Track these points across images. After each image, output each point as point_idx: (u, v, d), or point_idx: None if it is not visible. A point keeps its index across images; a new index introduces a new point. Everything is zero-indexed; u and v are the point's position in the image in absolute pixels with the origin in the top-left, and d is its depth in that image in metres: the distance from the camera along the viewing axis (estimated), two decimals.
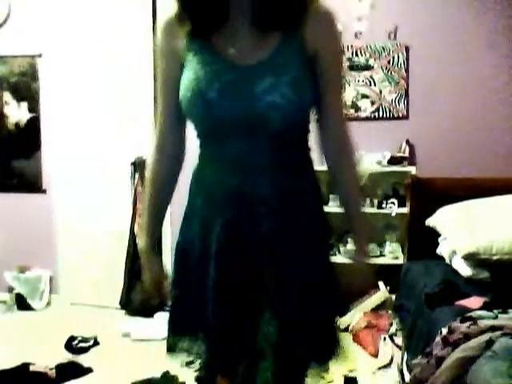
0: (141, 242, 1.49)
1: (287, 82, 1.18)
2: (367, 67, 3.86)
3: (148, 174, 1.44)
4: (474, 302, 2.33)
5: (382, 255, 3.73)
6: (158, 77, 1.33)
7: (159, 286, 1.44)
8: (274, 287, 1.26)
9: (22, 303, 4.18)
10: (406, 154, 3.77)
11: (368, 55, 3.87)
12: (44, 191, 4.36)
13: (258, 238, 1.26)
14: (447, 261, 2.91)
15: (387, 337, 3.08)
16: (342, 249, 3.65)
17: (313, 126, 1.37)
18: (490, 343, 1.79)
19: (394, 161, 3.69)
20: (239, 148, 1.23)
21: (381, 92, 3.91)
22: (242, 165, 1.24)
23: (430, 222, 3.07)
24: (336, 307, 1.42)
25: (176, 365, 3.05)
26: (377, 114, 3.91)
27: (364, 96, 3.90)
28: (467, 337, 1.91)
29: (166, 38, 1.28)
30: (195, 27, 1.22)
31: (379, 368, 3.01)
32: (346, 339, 3.38)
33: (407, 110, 3.89)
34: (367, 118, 3.89)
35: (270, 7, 1.18)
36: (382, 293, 3.56)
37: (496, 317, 2.07)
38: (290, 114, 1.20)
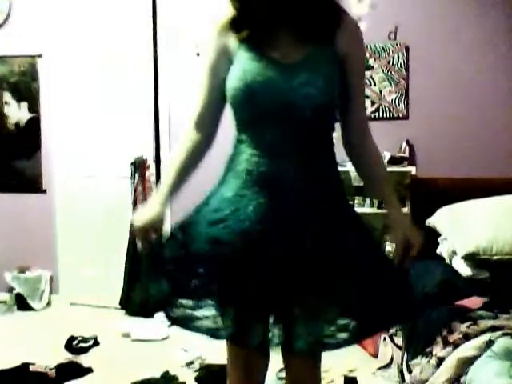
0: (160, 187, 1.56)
1: (321, 77, 1.40)
2: (367, 67, 3.84)
3: (179, 144, 1.56)
4: (474, 301, 2.33)
5: None
6: (206, 65, 1.53)
7: (150, 229, 1.47)
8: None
9: (22, 303, 4.18)
10: (406, 154, 3.77)
11: (368, 55, 3.86)
12: (44, 191, 4.37)
13: (289, 224, 1.39)
14: (447, 261, 2.91)
15: (387, 337, 3.08)
16: None
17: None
18: (490, 343, 1.79)
19: (394, 161, 3.68)
20: (273, 135, 1.41)
21: (381, 92, 3.91)
22: (274, 151, 1.41)
23: (430, 222, 3.07)
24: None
25: (176, 365, 3.05)
26: (377, 114, 3.91)
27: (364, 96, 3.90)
28: (467, 337, 1.91)
29: (220, 34, 1.49)
30: (253, 37, 1.44)
31: (379, 368, 3.01)
32: None
33: (407, 110, 3.89)
34: (367, 118, 3.88)
35: (310, 23, 1.42)
36: None
37: (496, 317, 2.07)
38: (320, 102, 1.40)
